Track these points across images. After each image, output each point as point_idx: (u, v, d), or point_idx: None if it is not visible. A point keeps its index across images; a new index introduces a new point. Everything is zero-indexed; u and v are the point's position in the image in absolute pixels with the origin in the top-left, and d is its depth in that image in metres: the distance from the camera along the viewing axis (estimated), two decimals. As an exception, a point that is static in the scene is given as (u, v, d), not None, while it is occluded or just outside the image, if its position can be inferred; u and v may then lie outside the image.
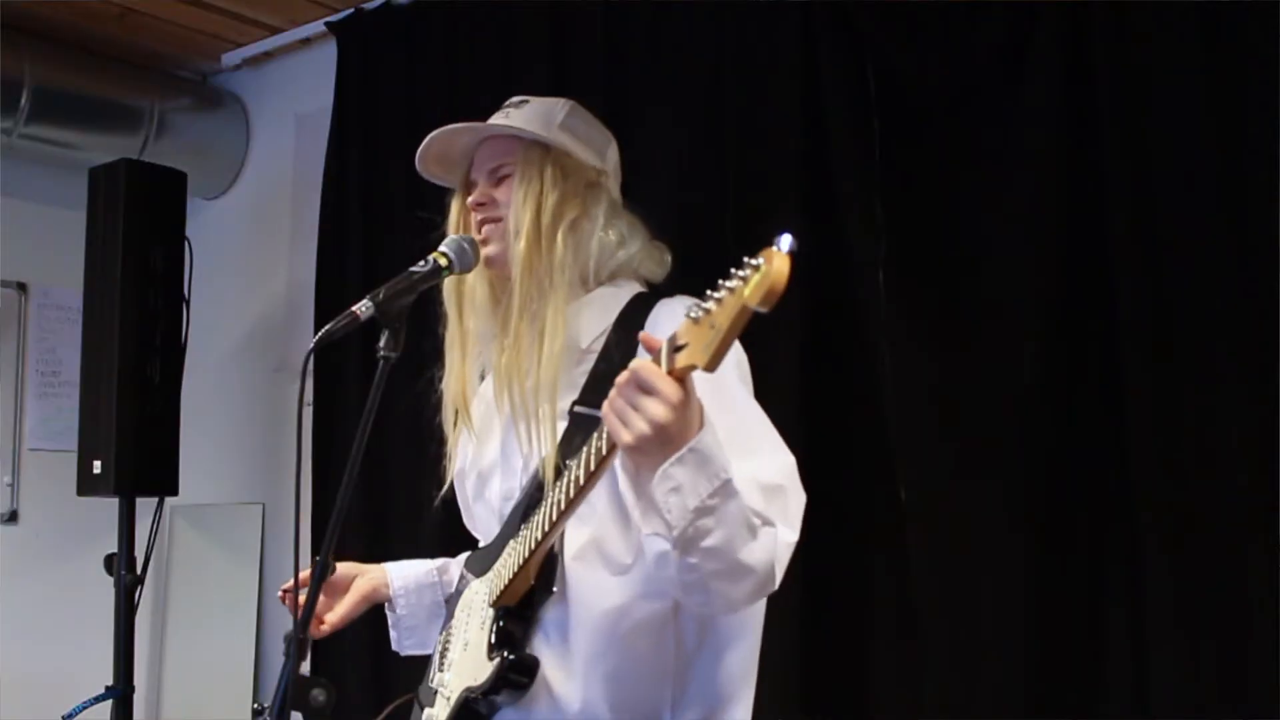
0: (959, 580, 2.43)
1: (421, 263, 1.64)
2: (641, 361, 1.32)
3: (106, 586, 3.47)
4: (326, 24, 3.69)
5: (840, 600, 2.54)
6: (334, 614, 1.87)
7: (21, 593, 3.87)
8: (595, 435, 1.43)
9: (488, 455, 1.77)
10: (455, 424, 1.79)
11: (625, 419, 1.33)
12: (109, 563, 3.48)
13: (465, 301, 1.78)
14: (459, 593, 1.78)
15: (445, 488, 1.85)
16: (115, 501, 3.46)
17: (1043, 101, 2.41)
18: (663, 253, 1.81)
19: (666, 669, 1.61)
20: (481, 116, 1.83)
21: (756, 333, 1.31)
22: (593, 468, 1.44)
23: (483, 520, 1.80)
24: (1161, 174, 2.27)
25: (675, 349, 1.29)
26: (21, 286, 4.04)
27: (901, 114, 2.57)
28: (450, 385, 1.78)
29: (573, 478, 1.48)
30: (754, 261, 1.18)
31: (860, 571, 2.55)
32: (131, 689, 3.45)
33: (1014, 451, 2.40)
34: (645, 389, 1.31)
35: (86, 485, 3.43)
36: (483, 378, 1.78)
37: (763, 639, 1.69)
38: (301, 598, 1.50)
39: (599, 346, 1.68)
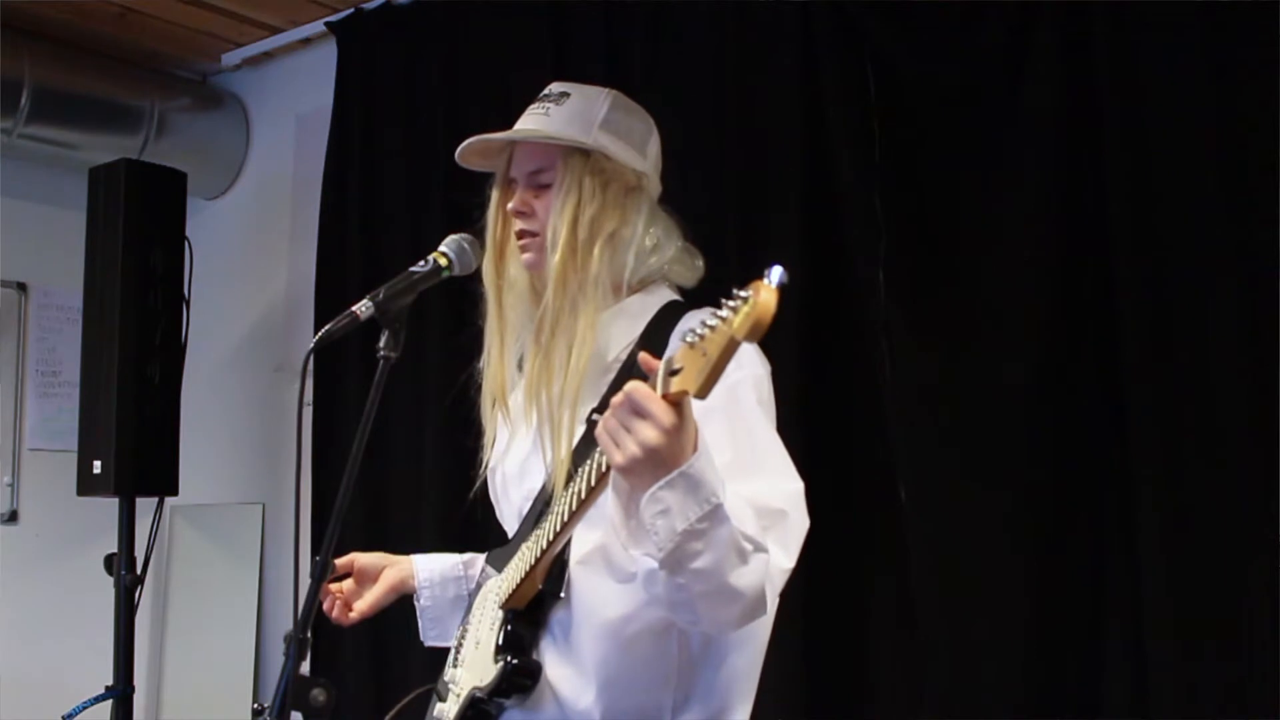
0: (959, 580, 2.43)
1: (421, 263, 1.65)
2: (636, 384, 1.33)
3: (106, 586, 3.47)
4: (326, 24, 3.69)
5: (840, 599, 2.54)
6: (363, 602, 1.90)
7: (21, 593, 3.87)
8: (597, 450, 1.43)
9: (516, 455, 1.78)
10: (492, 413, 1.80)
11: (618, 440, 1.33)
12: (109, 563, 3.48)
13: (505, 292, 1.78)
14: (479, 587, 1.80)
15: (482, 477, 1.85)
16: (115, 501, 3.46)
17: (1043, 101, 2.42)
18: (694, 258, 1.81)
19: (669, 674, 1.61)
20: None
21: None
22: (593, 483, 1.45)
23: (508, 517, 1.83)
24: (1161, 173, 2.27)
25: (671, 372, 1.29)
26: (21, 286, 4.04)
27: (901, 114, 2.57)
28: (488, 375, 1.79)
29: (575, 490, 1.50)
30: (743, 294, 1.19)
31: (860, 571, 2.55)
32: (131, 689, 3.45)
33: (1014, 451, 2.40)
34: (638, 412, 1.31)
35: (86, 485, 3.43)
36: (520, 367, 1.79)
37: (762, 638, 1.69)
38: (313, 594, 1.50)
39: (625, 357, 1.69)
